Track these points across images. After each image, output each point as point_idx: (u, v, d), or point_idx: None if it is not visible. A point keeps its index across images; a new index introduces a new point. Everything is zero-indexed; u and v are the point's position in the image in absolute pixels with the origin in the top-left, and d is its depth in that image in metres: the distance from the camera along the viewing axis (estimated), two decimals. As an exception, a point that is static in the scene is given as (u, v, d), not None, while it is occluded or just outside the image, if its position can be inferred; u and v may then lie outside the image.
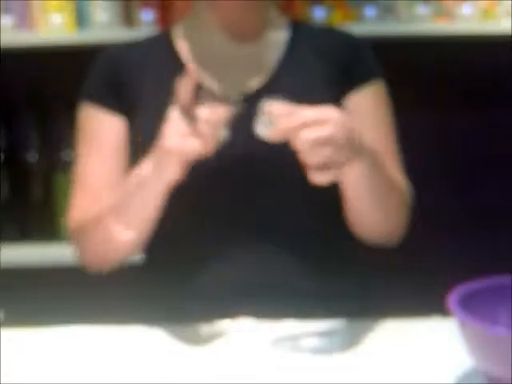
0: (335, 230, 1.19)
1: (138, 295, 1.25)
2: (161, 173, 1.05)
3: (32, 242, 1.92)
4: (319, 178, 0.99)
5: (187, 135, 1.00)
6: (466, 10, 1.82)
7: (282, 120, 0.97)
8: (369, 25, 1.80)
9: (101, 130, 1.21)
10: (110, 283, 1.87)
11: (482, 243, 1.99)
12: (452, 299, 0.91)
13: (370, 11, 1.80)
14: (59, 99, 1.93)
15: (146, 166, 1.08)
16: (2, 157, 1.93)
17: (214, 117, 0.99)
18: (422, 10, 1.81)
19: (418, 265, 1.98)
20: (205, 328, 1.08)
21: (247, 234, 1.15)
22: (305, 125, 0.97)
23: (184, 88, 0.99)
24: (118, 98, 1.20)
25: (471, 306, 0.91)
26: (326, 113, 0.99)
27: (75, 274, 1.84)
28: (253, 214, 1.15)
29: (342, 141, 0.98)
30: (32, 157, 1.94)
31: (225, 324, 1.08)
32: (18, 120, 1.95)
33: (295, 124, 0.97)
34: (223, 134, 1.01)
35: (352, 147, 1.01)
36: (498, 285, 0.97)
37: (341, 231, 1.18)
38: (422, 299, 1.45)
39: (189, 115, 0.99)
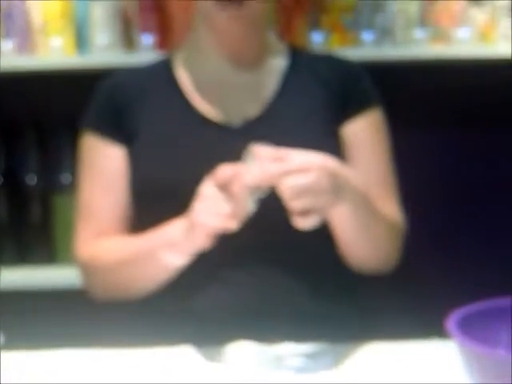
0: (334, 254, 1.19)
1: (136, 318, 1.25)
2: (190, 240, 1.07)
3: (30, 265, 1.92)
4: (302, 224, 1.01)
5: (216, 214, 1.02)
6: (463, 33, 1.83)
7: (266, 166, 0.99)
8: (366, 49, 1.82)
9: (103, 161, 1.23)
10: (108, 307, 1.87)
11: (482, 265, 1.99)
12: (451, 321, 0.91)
13: (367, 35, 1.82)
14: (59, 122, 1.93)
15: (176, 228, 1.09)
16: (1, 179, 1.94)
17: (243, 194, 1.01)
18: (419, 33, 1.83)
19: (418, 287, 1.98)
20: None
21: (247, 257, 1.16)
22: (287, 172, 0.99)
23: (224, 173, 1.02)
24: (118, 127, 1.22)
25: (470, 329, 0.91)
26: (310, 160, 1.01)
27: (74, 296, 1.84)
28: (253, 237, 1.15)
29: (325, 188, 1.00)
30: (31, 179, 1.94)
31: (223, 347, 1.08)
32: (17, 142, 1.96)
33: (278, 171, 0.99)
34: (251, 209, 1.02)
35: (335, 192, 1.02)
36: (497, 307, 0.97)
37: (340, 255, 1.19)
38: (421, 321, 1.45)
39: (222, 193, 1.02)
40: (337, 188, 1.02)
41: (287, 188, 0.99)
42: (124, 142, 1.22)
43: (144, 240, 1.16)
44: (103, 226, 1.21)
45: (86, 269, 1.23)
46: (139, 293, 1.19)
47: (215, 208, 1.02)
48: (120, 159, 1.22)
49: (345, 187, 1.05)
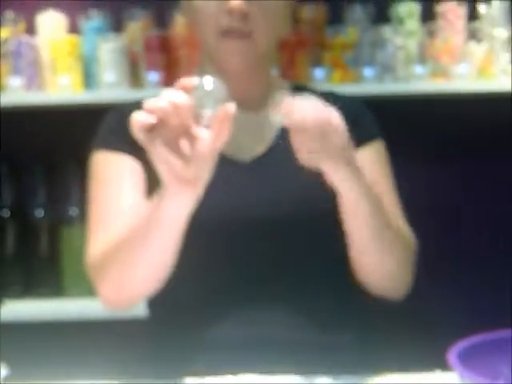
0: (341, 287, 1.20)
1: (142, 350, 1.26)
2: (166, 203, 1.00)
3: (38, 297, 1.94)
4: (304, 161, 1.03)
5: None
6: (462, 69, 1.87)
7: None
8: (368, 84, 1.85)
9: (116, 169, 1.20)
10: (114, 338, 1.88)
11: (484, 297, 2.00)
12: (453, 353, 0.92)
13: (368, 71, 1.85)
14: (66, 156, 1.96)
15: (153, 201, 1.04)
16: (9, 212, 1.96)
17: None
18: (419, 69, 1.86)
19: (420, 319, 1.98)
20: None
21: (253, 289, 1.17)
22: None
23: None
24: (131, 147, 1.20)
25: (472, 361, 0.92)
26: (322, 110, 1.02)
27: (81, 329, 1.86)
28: (259, 269, 1.17)
29: (338, 139, 1.02)
30: (39, 212, 1.96)
31: (229, 378, 1.09)
32: (25, 176, 1.99)
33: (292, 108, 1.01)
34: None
35: (345, 157, 1.04)
36: (499, 339, 0.98)
37: (346, 287, 1.20)
38: (423, 353, 1.45)
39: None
40: (347, 154, 1.04)
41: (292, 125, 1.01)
42: (135, 156, 1.19)
43: (140, 215, 1.07)
44: (112, 232, 1.14)
45: (94, 271, 1.15)
46: (154, 274, 1.10)
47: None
48: (131, 168, 1.19)
49: (354, 164, 1.06)
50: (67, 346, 1.95)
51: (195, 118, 0.93)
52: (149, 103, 0.92)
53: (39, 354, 1.91)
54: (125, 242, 1.08)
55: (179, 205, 1.00)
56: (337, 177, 1.07)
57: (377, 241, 1.13)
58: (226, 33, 1.17)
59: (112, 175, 1.20)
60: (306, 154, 1.02)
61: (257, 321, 1.16)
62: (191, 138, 0.93)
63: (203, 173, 0.96)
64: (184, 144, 0.94)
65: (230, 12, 1.15)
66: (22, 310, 1.90)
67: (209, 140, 0.93)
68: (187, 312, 1.18)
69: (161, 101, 0.92)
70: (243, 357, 1.14)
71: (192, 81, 0.93)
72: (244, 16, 1.16)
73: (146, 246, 1.06)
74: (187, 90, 0.93)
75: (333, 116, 1.03)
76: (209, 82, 0.93)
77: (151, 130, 0.92)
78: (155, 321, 1.25)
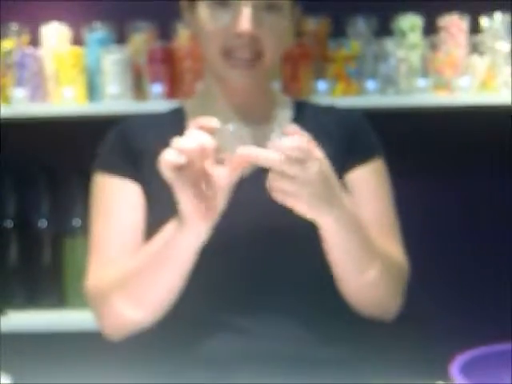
0: (341, 299, 1.20)
1: (142, 360, 1.26)
2: (184, 233, 1.05)
3: (41, 308, 1.94)
4: (276, 194, 1.02)
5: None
6: (464, 82, 1.87)
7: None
8: (370, 97, 1.85)
9: (116, 194, 1.22)
10: (115, 349, 1.88)
11: (485, 309, 2.00)
12: (454, 366, 0.92)
13: (371, 84, 1.86)
14: (70, 168, 1.97)
15: (169, 230, 1.08)
16: (12, 223, 1.97)
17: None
18: (421, 82, 1.87)
19: (422, 331, 1.98)
20: None
21: (253, 302, 1.17)
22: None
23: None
24: (132, 168, 1.22)
25: (474, 373, 0.92)
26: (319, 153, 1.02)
27: (84, 339, 1.85)
28: (259, 282, 1.17)
29: (314, 174, 1.00)
30: (42, 223, 1.97)
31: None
32: (29, 187, 2.00)
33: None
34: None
35: (324, 195, 1.02)
36: (500, 351, 0.98)
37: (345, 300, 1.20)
38: (425, 365, 1.45)
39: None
40: (327, 190, 1.02)
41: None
42: (135, 179, 1.22)
43: (153, 244, 1.12)
44: (116, 260, 1.18)
45: (94, 302, 1.19)
46: (155, 305, 1.14)
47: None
48: (134, 194, 1.22)
49: (336, 198, 1.04)
50: (70, 357, 1.95)
51: (215, 158, 1.02)
52: (178, 143, 0.98)
53: (42, 365, 1.91)
54: (133, 272, 1.12)
55: (197, 235, 1.06)
56: (318, 221, 1.06)
57: (359, 272, 1.13)
58: (233, 55, 1.16)
59: (113, 202, 1.22)
60: (281, 194, 1.02)
61: (257, 335, 1.16)
62: (209, 176, 1.02)
63: (220, 205, 1.04)
64: (204, 181, 1.02)
65: (239, 36, 1.15)
66: (25, 320, 1.91)
67: (226, 177, 1.02)
68: (187, 326, 1.18)
69: (190, 142, 0.98)
70: (243, 371, 1.14)
71: (214, 123, 1.00)
72: (253, 39, 1.15)
73: (158, 275, 1.10)
74: (210, 131, 1.00)
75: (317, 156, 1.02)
76: (231, 127, 1.02)
77: (179, 168, 0.99)
78: (155, 334, 1.26)
